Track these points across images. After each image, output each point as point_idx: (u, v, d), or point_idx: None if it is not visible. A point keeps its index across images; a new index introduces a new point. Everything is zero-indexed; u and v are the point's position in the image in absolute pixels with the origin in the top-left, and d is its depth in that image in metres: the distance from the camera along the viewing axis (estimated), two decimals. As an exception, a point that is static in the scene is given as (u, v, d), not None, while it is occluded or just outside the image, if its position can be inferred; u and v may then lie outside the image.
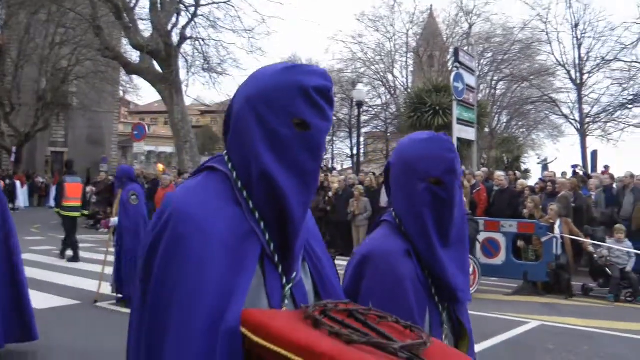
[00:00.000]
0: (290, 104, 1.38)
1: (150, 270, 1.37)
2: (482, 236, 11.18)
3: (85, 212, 16.17)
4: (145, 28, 26.42)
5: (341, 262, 12.54)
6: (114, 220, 8.67)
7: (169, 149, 46.20)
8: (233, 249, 1.35)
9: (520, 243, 11.30)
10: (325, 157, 47.99)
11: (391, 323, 1.37)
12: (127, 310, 7.46)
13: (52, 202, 22.48)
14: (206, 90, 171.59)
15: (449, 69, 21.03)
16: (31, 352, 6.05)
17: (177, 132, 24.75)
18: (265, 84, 1.42)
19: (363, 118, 36.01)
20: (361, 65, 39.85)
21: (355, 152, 38.07)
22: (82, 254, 12.73)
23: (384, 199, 14.65)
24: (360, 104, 22.89)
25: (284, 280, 1.42)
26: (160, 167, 26.02)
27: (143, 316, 1.37)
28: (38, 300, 7.48)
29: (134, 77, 32.47)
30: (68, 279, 10.40)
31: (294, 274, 1.44)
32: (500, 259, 11.18)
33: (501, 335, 7.51)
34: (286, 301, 1.41)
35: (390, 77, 39.89)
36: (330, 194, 16.30)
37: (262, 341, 1.23)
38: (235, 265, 1.34)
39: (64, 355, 6.28)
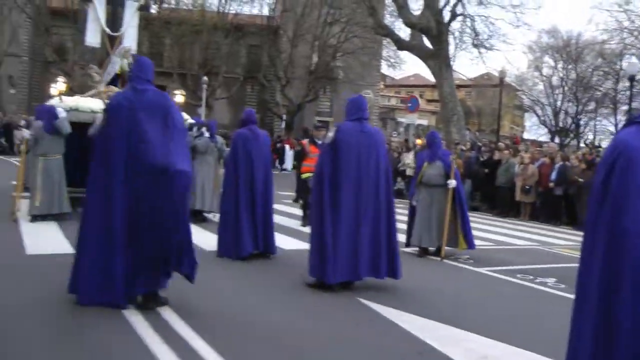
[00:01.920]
0: None
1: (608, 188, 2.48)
2: None
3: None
4: (416, 7, 28.08)
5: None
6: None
7: (424, 121, 48.16)
8: None
9: None
10: (586, 133, 46.80)
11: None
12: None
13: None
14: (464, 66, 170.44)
15: None
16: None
17: (445, 105, 26.32)
18: None
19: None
20: (627, 35, 37.88)
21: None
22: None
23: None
24: (632, 78, 22.44)
25: None
26: (419, 141, 27.59)
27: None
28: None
29: (399, 52, 34.42)
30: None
31: None
32: None
33: None
34: None
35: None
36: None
37: None
38: None
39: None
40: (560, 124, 46.33)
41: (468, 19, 27.51)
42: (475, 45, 27.52)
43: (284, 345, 4.70)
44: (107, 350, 4.34)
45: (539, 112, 48.94)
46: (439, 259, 9.00)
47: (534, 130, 51.66)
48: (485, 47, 27.87)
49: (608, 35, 38.41)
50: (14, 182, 11.70)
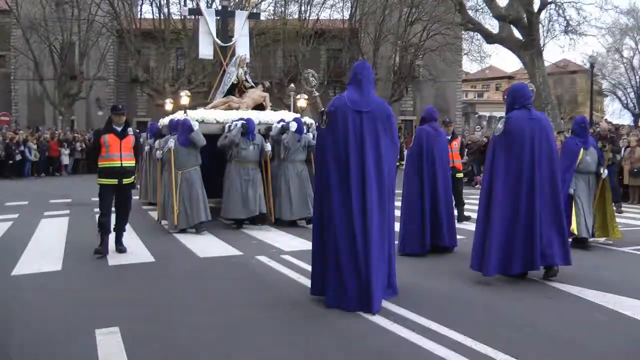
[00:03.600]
0: None
1: None
2: None
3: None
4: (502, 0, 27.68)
5: None
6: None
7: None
8: None
9: None
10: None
11: None
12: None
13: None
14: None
15: None
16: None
17: (539, 95, 25.82)
18: None
19: None
20: None
21: None
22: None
23: None
24: None
25: None
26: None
27: None
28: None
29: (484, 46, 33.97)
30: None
31: None
32: None
33: None
34: None
35: None
36: None
37: None
38: None
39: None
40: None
41: (558, 7, 26.83)
42: (566, 32, 26.80)
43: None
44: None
45: (622, 96, 47.25)
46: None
47: (616, 114, 49.90)
48: (578, 34, 27.11)
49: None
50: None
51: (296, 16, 37.89)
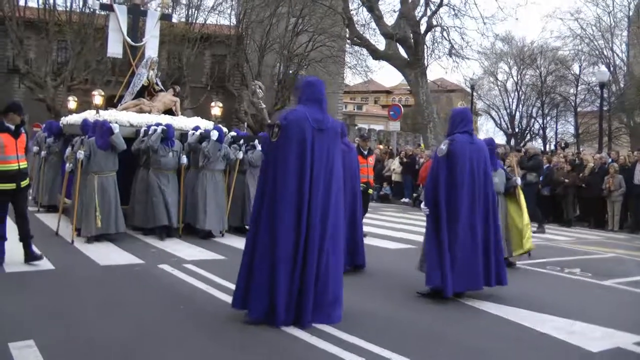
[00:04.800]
0: None
1: None
2: None
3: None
4: (392, 18, 29.08)
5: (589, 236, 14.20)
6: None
7: (380, 127, 49.39)
8: None
9: None
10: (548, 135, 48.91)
11: None
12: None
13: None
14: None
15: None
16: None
17: (422, 113, 27.50)
18: None
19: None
20: (579, 42, 40.00)
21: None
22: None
23: (637, 177, 15.77)
24: (602, 85, 23.94)
25: None
26: (381, 146, 28.49)
27: None
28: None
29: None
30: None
31: None
32: None
33: None
34: None
35: (609, 53, 39.69)
36: (585, 171, 17.80)
37: None
38: None
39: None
40: (516, 129, 48.26)
41: (443, 29, 28.52)
42: (450, 55, 28.53)
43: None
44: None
45: (495, 116, 50.79)
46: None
47: (490, 133, 53.37)
48: (461, 57, 28.84)
49: (561, 42, 40.68)
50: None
51: (183, 19, 37.57)
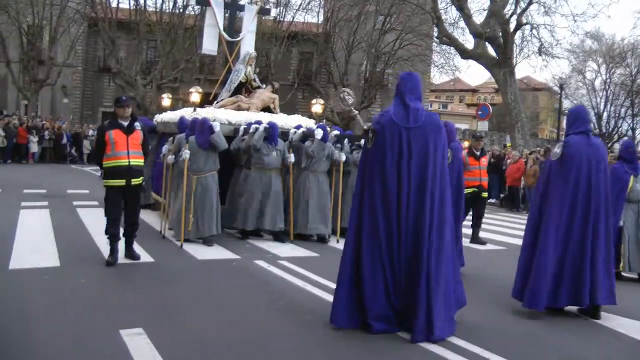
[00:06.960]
0: None
1: None
2: None
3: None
4: (481, 17, 28.34)
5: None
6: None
7: (465, 125, 48.40)
8: None
9: None
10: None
11: None
12: None
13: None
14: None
15: None
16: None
17: (510, 112, 26.66)
18: None
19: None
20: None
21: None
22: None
23: None
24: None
25: None
26: (465, 143, 27.66)
27: None
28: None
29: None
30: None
31: None
32: None
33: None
34: None
35: None
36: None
37: None
38: None
39: None
40: (603, 129, 46.22)
41: (533, 28, 27.62)
42: (540, 53, 27.54)
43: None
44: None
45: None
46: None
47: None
48: (551, 55, 27.83)
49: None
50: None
51: (271, 18, 37.79)
